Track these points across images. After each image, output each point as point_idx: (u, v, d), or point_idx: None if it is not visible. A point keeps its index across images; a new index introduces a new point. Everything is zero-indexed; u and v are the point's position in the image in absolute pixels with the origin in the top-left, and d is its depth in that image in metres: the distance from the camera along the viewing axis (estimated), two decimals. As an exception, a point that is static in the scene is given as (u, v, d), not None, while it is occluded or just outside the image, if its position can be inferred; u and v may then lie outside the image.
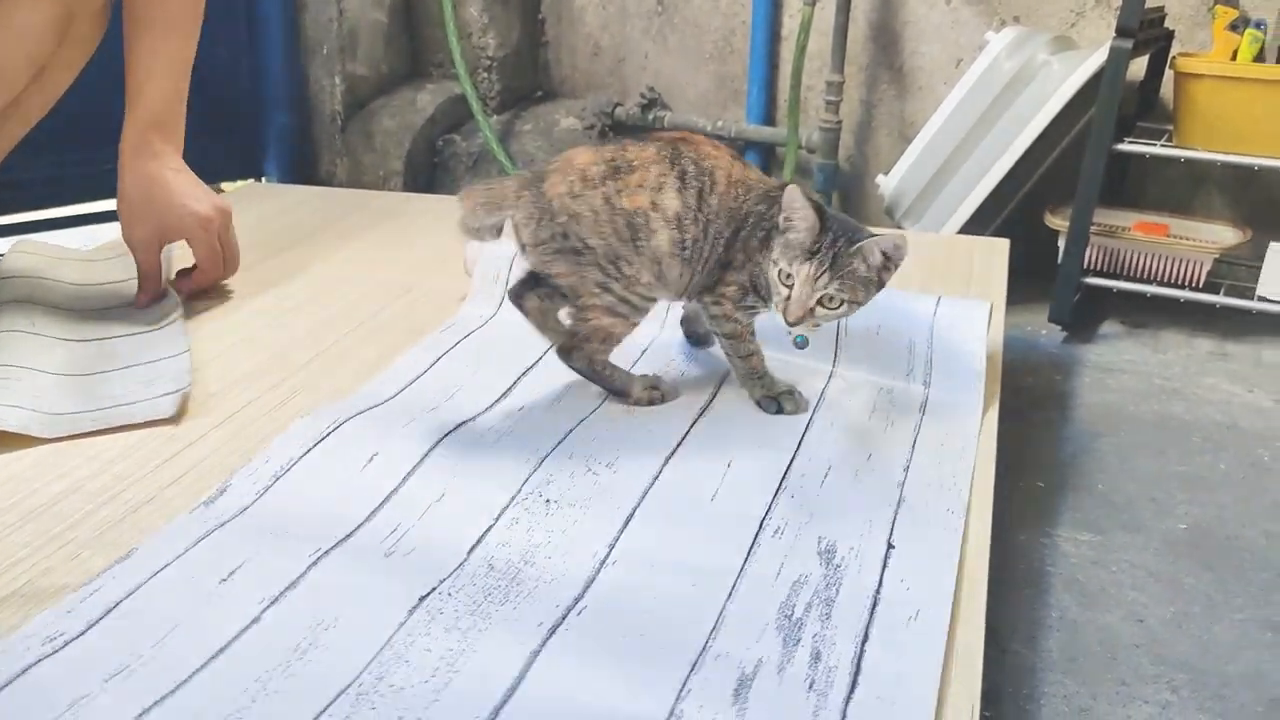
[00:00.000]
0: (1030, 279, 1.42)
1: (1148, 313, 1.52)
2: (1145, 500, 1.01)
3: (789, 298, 0.78)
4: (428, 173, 1.91)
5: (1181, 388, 1.31)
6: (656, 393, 0.88)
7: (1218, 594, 0.86)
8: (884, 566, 0.66)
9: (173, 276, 1.14)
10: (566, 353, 0.87)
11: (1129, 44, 1.34)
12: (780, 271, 0.78)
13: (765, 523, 0.70)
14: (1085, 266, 1.49)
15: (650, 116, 1.95)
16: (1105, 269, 1.51)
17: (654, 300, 0.86)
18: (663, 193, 0.80)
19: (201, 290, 1.13)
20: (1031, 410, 1.23)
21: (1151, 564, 0.90)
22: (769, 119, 1.91)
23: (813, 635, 0.61)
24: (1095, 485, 1.04)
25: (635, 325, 0.86)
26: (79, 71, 1.13)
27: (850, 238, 0.78)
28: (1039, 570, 0.88)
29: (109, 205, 1.68)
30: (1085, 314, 1.52)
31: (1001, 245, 1.33)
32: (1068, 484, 1.04)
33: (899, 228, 1.65)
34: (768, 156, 1.94)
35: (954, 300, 1.05)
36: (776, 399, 0.86)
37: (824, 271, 0.77)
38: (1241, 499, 1.02)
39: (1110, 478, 1.06)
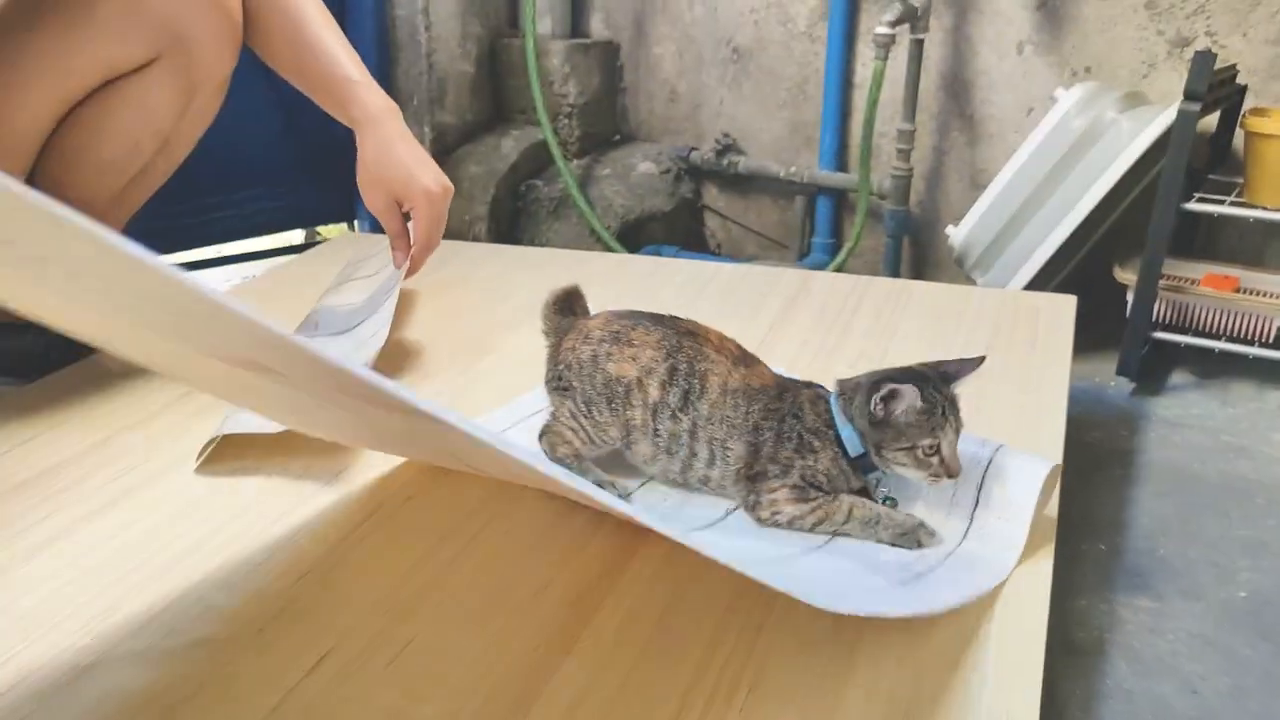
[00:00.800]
0: (1099, 331, 1.45)
1: (1218, 364, 1.53)
2: (1206, 565, 1.04)
3: (943, 461, 0.77)
4: (511, 217, 1.98)
5: (1249, 445, 1.32)
6: (611, 485, 0.87)
7: (1276, 666, 0.88)
8: None
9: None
10: (545, 428, 0.90)
11: (1197, 106, 1.36)
12: (922, 450, 0.76)
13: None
14: (1154, 320, 1.51)
15: (725, 161, 2.01)
16: (1174, 323, 1.53)
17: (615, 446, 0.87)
18: (649, 378, 0.82)
19: (419, 265, 1.20)
20: (1095, 469, 1.26)
21: (1209, 633, 0.93)
22: (841, 165, 1.95)
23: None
24: (1156, 549, 1.07)
25: (596, 451, 0.87)
26: (200, 136, 1.23)
27: (937, 384, 0.77)
28: (1097, 638, 0.91)
29: (210, 252, 1.80)
30: (1154, 366, 1.54)
31: (1068, 303, 1.36)
32: (1129, 547, 1.07)
33: (969, 279, 1.69)
34: (839, 202, 1.98)
35: (1013, 452, 0.91)
36: (912, 534, 0.79)
37: (958, 418, 0.78)
38: (1303, 566, 1.04)
39: (1172, 540, 1.09)
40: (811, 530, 0.79)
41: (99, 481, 0.94)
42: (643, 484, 0.88)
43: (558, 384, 0.88)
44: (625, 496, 0.84)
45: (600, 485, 0.83)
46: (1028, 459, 0.88)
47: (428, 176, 1.17)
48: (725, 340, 0.84)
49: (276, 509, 0.90)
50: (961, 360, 0.80)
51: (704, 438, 0.81)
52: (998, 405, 1.11)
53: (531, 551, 0.84)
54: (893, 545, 0.78)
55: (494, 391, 1.10)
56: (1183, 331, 1.51)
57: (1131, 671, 0.87)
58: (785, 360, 1.23)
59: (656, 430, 0.82)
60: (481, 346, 1.25)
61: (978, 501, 0.86)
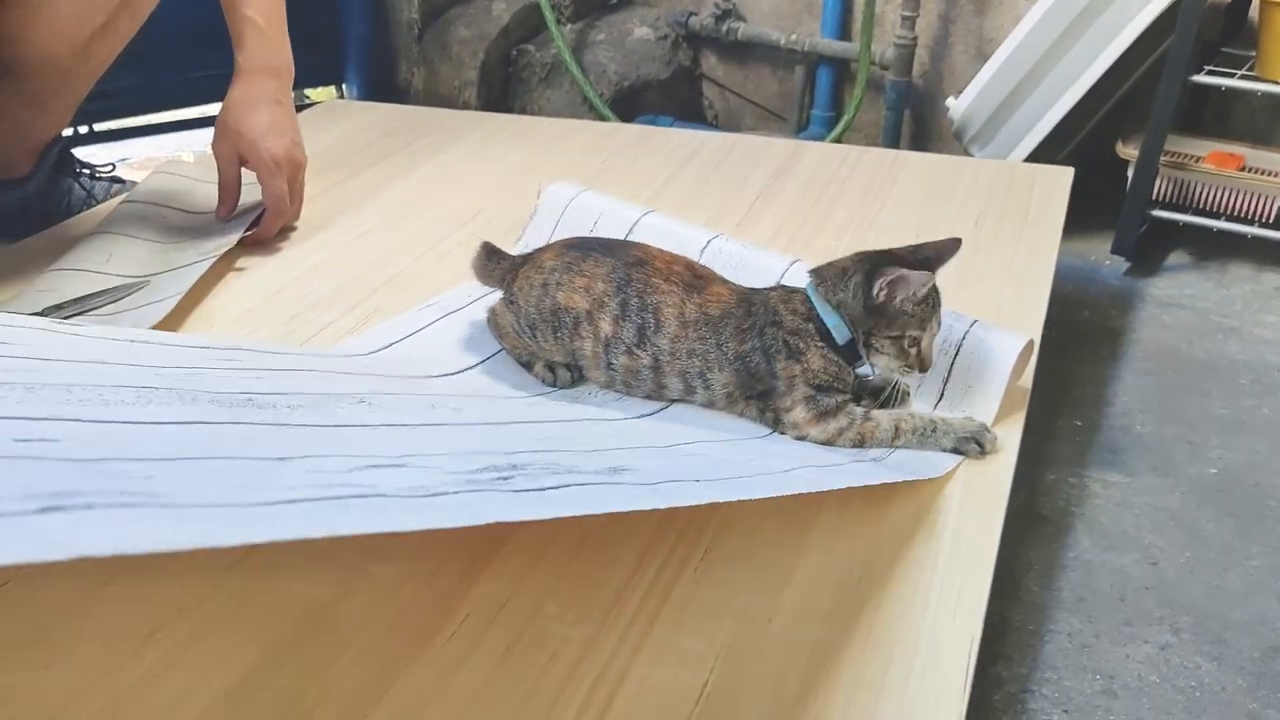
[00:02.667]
0: (1099, 209, 1.42)
1: (1216, 245, 1.50)
2: (1181, 443, 1.04)
3: (919, 354, 0.76)
4: (502, 83, 1.94)
5: (1239, 326, 1.31)
6: (550, 375, 0.86)
7: (1236, 540, 0.89)
8: None
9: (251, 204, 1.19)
10: (491, 311, 0.91)
11: (1211, -28, 1.30)
12: (908, 339, 0.75)
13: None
14: (1154, 198, 1.47)
15: (724, 27, 1.95)
16: (1175, 201, 1.50)
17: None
18: (600, 311, 0.80)
19: (267, 235, 1.17)
20: (1081, 346, 1.25)
21: (1175, 508, 0.93)
22: (844, 33, 1.89)
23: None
24: (1133, 426, 1.07)
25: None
26: None
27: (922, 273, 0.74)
28: (1063, 511, 0.92)
29: (193, 113, 1.77)
30: (1151, 246, 1.52)
31: (1064, 175, 1.33)
32: (1106, 424, 1.07)
33: (967, 152, 1.65)
34: (840, 73, 1.93)
35: (989, 327, 0.89)
36: (975, 437, 0.76)
37: (939, 313, 0.77)
38: (1277, 444, 1.04)
39: (1150, 418, 1.08)
40: (855, 448, 0.76)
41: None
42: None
43: (508, 298, 0.87)
44: (569, 386, 0.85)
45: (551, 369, 0.84)
46: (1002, 334, 0.87)
47: (277, 144, 1.14)
48: (674, 265, 0.81)
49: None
50: (938, 244, 0.77)
51: (671, 371, 0.79)
52: (983, 277, 1.09)
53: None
54: (955, 452, 0.75)
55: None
56: (1182, 210, 1.48)
57: (1093, 544, 0.88)
58: (769, 232, 1.21)
59: (610, 364, 0.80)
60: (461, 213, 1.24)
61: (949, 376, 0.86)
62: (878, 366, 0.77)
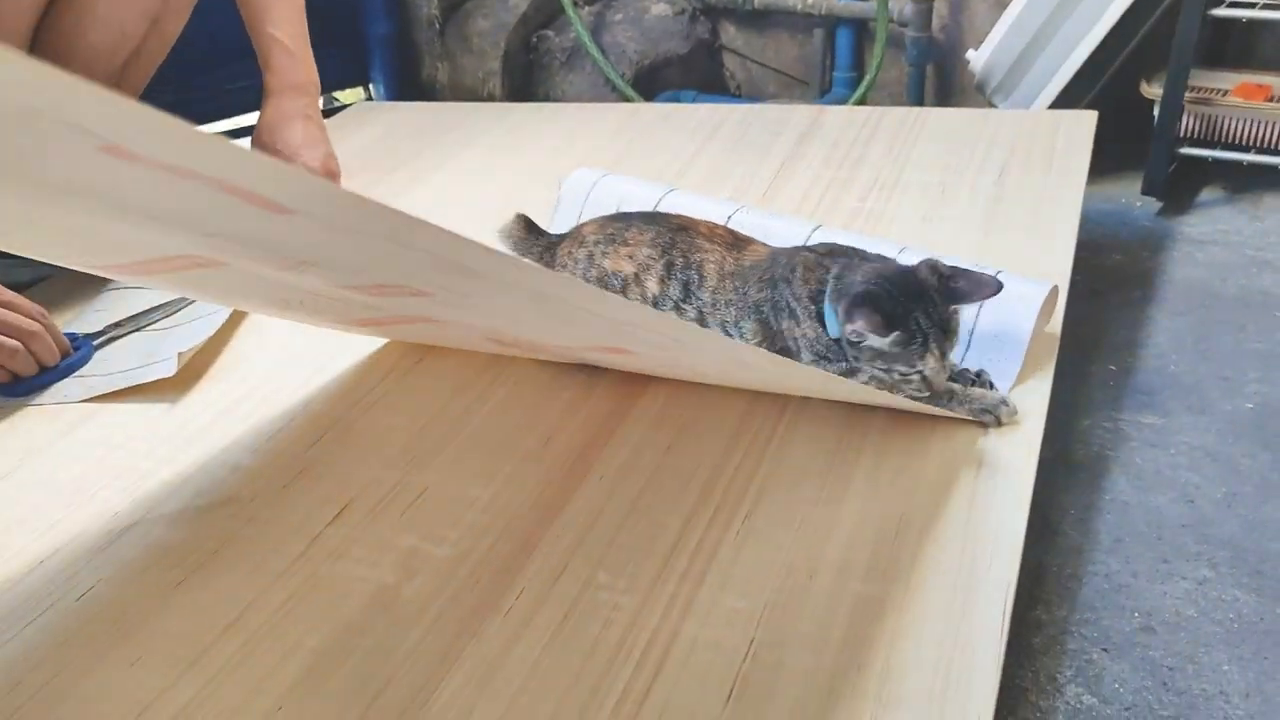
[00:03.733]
0: (1129, 150, 1.42)
1: (1248, 178, 1.49)
2: (1215, 380, 1.05)
3: (924, 379, 0.74)
4: (525, 71, 1.96)
5: (1275, 259, 1.30)
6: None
7: (1273, 474, 0.90)
8: None
9: None
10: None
11: (1225, -96, 1.29)
12: (897, 373, 0.74)
13: None
14: (1181, 135, 1.47)
15: (740, -3, 1.95)
16: (1203, 137, 1.49)
17: None
18: (647, 273, 0.83)
19: None
20: (1113, 290, 1.25)
21: (1211, 445, 0.94)
22: (860, -7, 1.89)
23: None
24: (1167, 366, 1.08)
25: None
26: (189, 13, 1.22)
27: (932, 303, 0.73)
28: (1098, 454, 0.93)
29: (229, 124, 1.81)
30: (1181, 184, 1.51)
31: (1088, 119, 1.33)
32: (1140, 366, 1.08)
33: (991, 104, 1.65)
34: (860, 32, 1.93)
35: (1012, 277, 0.87)
36: (993, 410, 0.76)
37: (944, 345, 0.74)
38: (1315, 376, 1.04)
39: (1184, 358, 1.09)
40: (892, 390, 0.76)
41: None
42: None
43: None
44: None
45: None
46: (1026, 282, 0.88)
47: (314, 156, 1.19)
48: (715, 229, 0.85)
49: (294, 379, 0.94)
50: (976, 278, 0.74)
51: (714, 323, 0.81)
52: (1008, 229, 1.11)
53: (539, 403, 0.87)
54: (977, 418, 0.76)
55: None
56: (1211, 146, 1.47)
57: (1130, 485, 0.89)
58: (795, 199, 1.23)
59: None
60: (490, 207, 1.26)
61: (975, 325, 0.87)
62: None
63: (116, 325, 1.05)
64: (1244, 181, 1.50)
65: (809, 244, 0.83)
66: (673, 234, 0.84)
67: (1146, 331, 1.15)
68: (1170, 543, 0.82)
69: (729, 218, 1.01)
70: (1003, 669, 0.63)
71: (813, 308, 0.76)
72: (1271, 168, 1.43)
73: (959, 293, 0.73)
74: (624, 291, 0.84)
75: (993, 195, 1.17)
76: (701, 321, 0.82)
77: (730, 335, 0.81)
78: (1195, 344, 1.12)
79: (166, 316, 1.07)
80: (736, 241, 0.83)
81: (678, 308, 0.82)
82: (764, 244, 0.84)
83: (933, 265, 0.74)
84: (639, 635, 0.66)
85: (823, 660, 0.63)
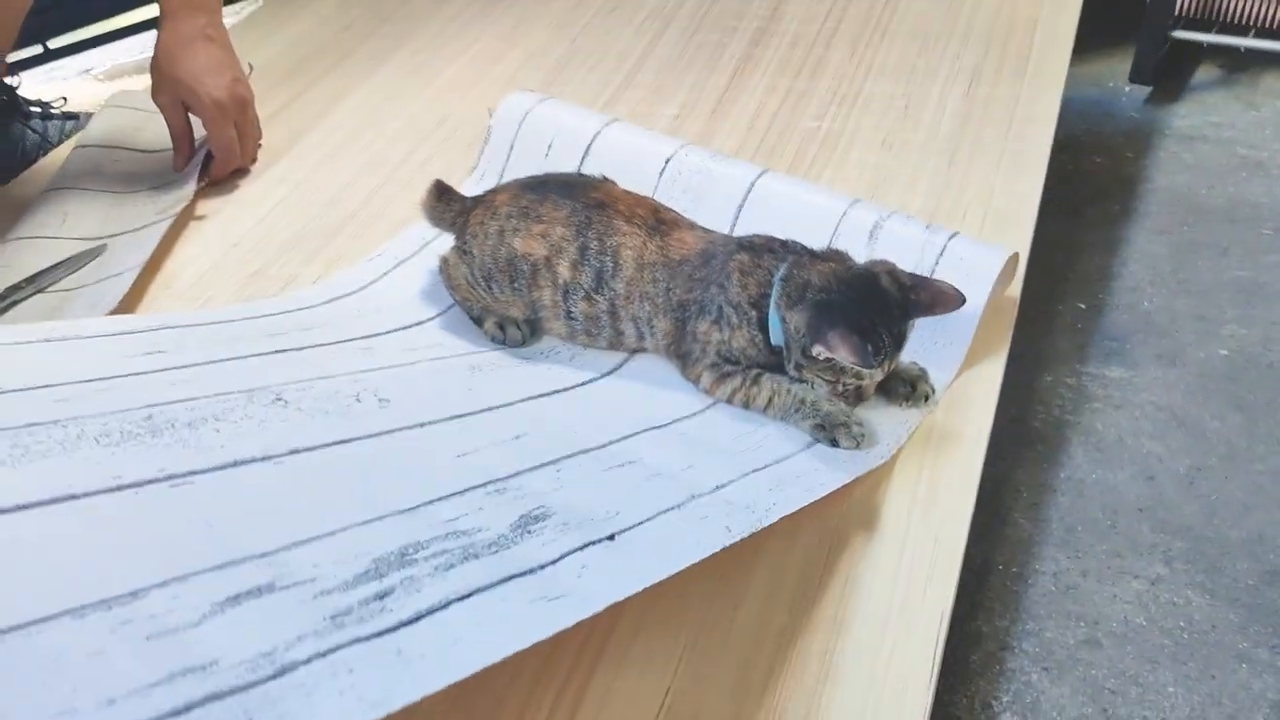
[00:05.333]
0: (1120, 29, 1.30)
1: (1245, 62, 1.38)
2: (1191, 319, 0.98)
3: (858, 390, 0.71)
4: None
5: (1266, 159, 1.22)
6: (500, 333, 0.82)
7: (1241, 440, 0.85)
8: None
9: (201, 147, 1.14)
10: (443, 260, 0.86)
11: None
12: (841, 385, 0.70)
13: None
14: (1177, 15, 1.35)
15: None
16: (1201, 16, 1.37)
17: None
18: (559, 257, 0.77)
19: (219, 179, 1.13)
20: (1092, 202, 1.17)
21: (1179, 405, 0.89)
22: None
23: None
24: (1140, 303, 1.01)
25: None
26: None
27: (894, 318, 0.68)
28: (1057, 420, 0.88)
29: (149, 12, 1.68)
30: (1174, 69, 1.40)
31: (1071, 4, 1.21)
32: (1112, 302, 1.01)
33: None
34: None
35: (968, 242, 0.82)
36: (830, 431, 0.70)
37: (896, 356, 0.70)
38: (1297, 313, 0.98)
39: (1160, 292, 1.02)
40: (743, 408, 0.73)
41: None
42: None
43: (461, 247, 0.83)
44: (520, 345, 0.81)
45: (502, 327, 0.81)
46: (982, 249, 0.81)
47: (218, 85, 1.06)
48: (636, 207, 0.78)
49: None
50: (938, 290, 0.69)
51: (626, 316, 0.76)
52: (975, 156, 1.02)
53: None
54: (812, 437, 0.70)
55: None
56: (1207, 27, 1.36)
57: (1087, 459, 0.84)
58: (748, 116, 1.13)
59: (570, 312, 0.78)
60: (424, 124, 1.17)
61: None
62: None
63: (16, 288, 0.97)
64: (1241, 63, 1.39)
65: (741, 236, 0.75)
66: (589, 211, 0.77)
67: (1121, 259, 1.08)
68: (1125, 533, 0.78)
69: (668, 160, 0.93)
70: (936, 694, 0.60)
71: (753, 314, 0.70)
72: (1271, 54, 1.32)
73: (920, 305, 0.68)
74: (534, 277, 0.78)
75: (961, 113, 1.07)
76: (613, 314, 0.77)
77: (641, 333, 0.76)
78: (1173, 273, 1.04)
79: (72, 272, 0.99)
80: (659, 224, 0.76)
81: (589, 298, 0.77)
82: (689, 228, 0.77)
83: (892, 271, 0.68)
84: (549, 684, 0.62)
85: (743, 710, 0.60)
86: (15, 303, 0.96)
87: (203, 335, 0.83)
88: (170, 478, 0.58)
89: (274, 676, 0.43)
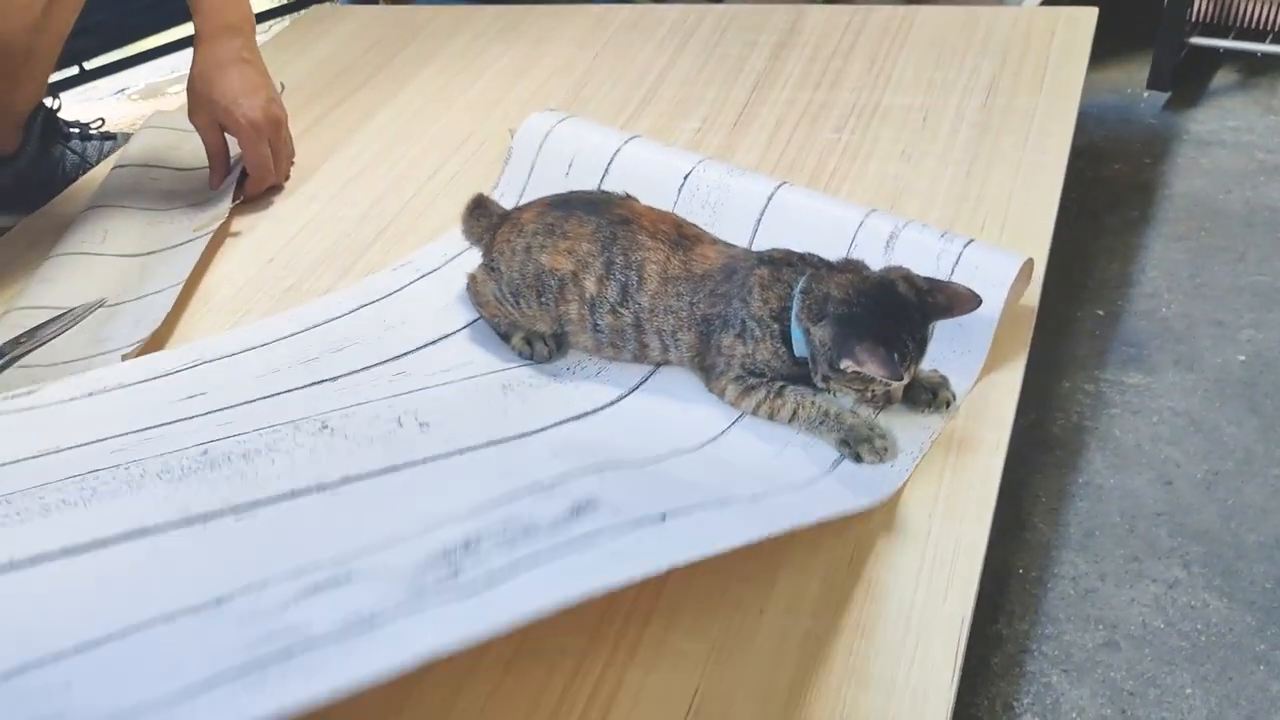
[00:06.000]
0: (1137, 35, 1.32)
1: (1263, 68, 1.39)
2: (1209, 324, 0.99)
3: (887, 395, 0.72)
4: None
5: (1284, 163, 1.22)
6: (528, 348, 0.83)
7: (1258, 445, 0.86)
8: None
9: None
10: (470, 278, 0.89)
11: None
12: (872, 391, 0.72)
13: None
14: (1193, 21, 1.36)
15: None
16: (1217, 21, 1.38)
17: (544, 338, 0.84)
18: (585, 271, 0.79)
19: (253, 196, 1.16)
20: (1110, 209, 1.18)
21: (1196, 410, 0.90)
22: None
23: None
24: (1158, 309, 1.02)
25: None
26: None
27: (915, 323, 0.70)
28: (1076, 426, 0.90)
29: (181, 32, 1.72)
30: (1192, 75, 1.41)
31: (1087, 17, 1.23)
32: (1129, 309, 1.03)
33: (988, -15, 1.53)
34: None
35: (983, 248, 0.83)
36: (854, 447, 0.70)
37: (920, 361, 0.71)
38: (1314, 317, 0.99)
39: (1177, 297, 1.04)
40: (768, 420, 0.75)
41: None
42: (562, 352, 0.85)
43: (489, 264, 0.85)
44: (547, 360, 0.83)
45: (529, 342, 0.83)
46: (998, 255, 0.82)
47: (253, 105, 1.10)
48: (661, 222, 0.79)
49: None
50: (954, 291, 0.71)
51: (651, 329, 0.78)
52: (993, 165, 1.04)
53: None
54: (839, 450, 0.71)
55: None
56: (1224, 33, 1.36)
57: (1106, 464, 0.86)
58: (769, 128, 1.15)
59: (596, 325, 0.79)
60: (450, 140, 1.20)
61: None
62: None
63: (15, 342, 0.93)
64: (1259, 65, 1.39)
65: (761, 250, 0.77)
66: (614, 227, 0.79)
67: (1139, 265, 1.09)
68: (1143, 536, 0.79)
69: (687, 175, 0.95)
70: (958, 696, 0.61)
71: (775, 327, 0.72)
72: (1290, 55, 1.33)
73: (938, 308, 0.70)
74: (561, 291, 0.80)
75: (979, 124, 1.09)
76: (638, 328, 0.78)
77: (666, 345, 0.78)
78: (1190, 278, 1.06)
79: (67, 329, 0.96)
80: (682, 239, 0.79)
81: (614, 311, 0.78)
82: (711, 243, 0.79)
83: (907, 277, 0.70)
84: (583, 682, 0.64)
85: (769, 710, 0.62)
86: (15, 359, 0.93)
87: (239, 370, 0.85)
88: (235, 509, 0.61)
89: (365, 629, 0.48)
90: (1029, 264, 0.81)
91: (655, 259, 0.77)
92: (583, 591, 0.52)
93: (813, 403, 0.72)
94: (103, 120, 1.36)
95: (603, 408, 0.79)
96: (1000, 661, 0.71)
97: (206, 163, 1.16)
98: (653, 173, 0.96)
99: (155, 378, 0.84)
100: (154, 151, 1.23)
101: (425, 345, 0.87)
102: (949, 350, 0.79)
